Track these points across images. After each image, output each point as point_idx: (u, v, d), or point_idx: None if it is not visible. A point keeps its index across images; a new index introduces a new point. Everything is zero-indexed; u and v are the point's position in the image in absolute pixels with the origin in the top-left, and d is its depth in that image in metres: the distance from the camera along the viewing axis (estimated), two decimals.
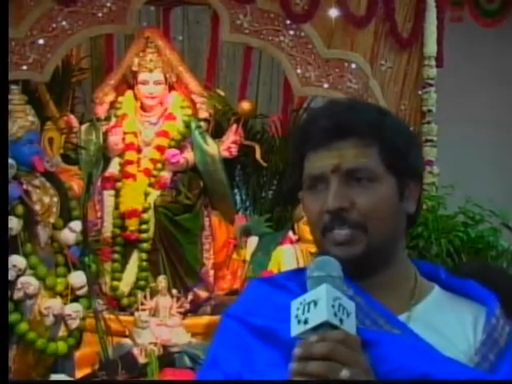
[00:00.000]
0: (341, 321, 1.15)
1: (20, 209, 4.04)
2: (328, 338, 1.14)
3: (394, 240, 1.32)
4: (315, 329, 1.15)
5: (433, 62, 5.08)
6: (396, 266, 1.33)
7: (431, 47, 5.06)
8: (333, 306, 1.15)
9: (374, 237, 1.28)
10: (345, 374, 1.12)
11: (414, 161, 1.34)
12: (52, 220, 4.18)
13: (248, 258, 4.73)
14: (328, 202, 1.28)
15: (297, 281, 1.31)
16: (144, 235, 4.83)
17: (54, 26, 4.63)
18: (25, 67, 4.54)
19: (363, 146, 1.29)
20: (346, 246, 1.28)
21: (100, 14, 4.71)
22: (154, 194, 4.88)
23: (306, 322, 1.16)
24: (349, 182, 1.29)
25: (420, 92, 5.13)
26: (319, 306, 1.15)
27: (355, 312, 1.19)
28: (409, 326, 1.28)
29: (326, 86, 4.87)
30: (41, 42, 4.59)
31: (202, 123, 5.08)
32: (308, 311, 1.16)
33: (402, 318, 1.30)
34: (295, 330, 1.16)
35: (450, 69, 5.27)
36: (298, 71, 4.85)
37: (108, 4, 4.70)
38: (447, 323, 1.31)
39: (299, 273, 1.34)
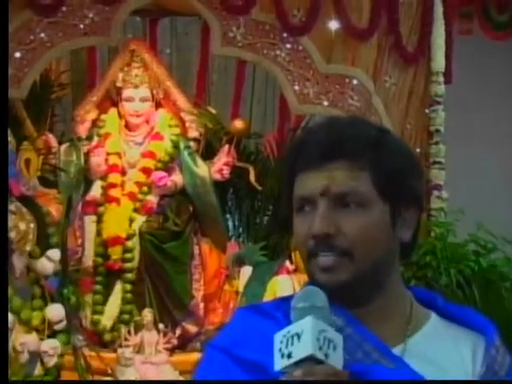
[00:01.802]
0: (326, 355, 1.17)
1: None
2: (316, 373, 1.16)
3: (385, 268, 1.33)
4: (299, 363, 1.17)
5: (441, 78, 5.10)
6: (389, 294, 1.34)
7: (439, 62, 5.09)
8: (318, 340, 1.16)
9: (360, 265, 1.29)
10: None
11: (412, 185, 1.35)
12: (28, 248, 4.16)
13: (241, 289, 4.73)
14: (314, 227, 1.30)
15: (285, 310, 1.31)
16: (128, 264, 4.82)
17: (32, 37, 4.66)
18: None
19: (355, 168, 1.30)
20: (331, 273, 1.29)
21: (82, 26, 4.74)
22: (140, 219, 4.88)
23: (289, 355, 1.17)
24: (337, 206, 1.30)
25: (427, 110, 5.15)
26: (303, 339, 1.16)
27: (344, 344, 1.20)
28: (404, 359, 1.29)
29: (325, 103, 4.89)
30: (17, 55, 4.62)
31: (192, 143, 5.09)
32: (292, 344, 1.17)
33: (397, 349, 1.30)
34: (279, 363, 1.18)
35: (458, 85, 5.30)
36: (296, 87, 4.87)
37: (90, 15, 4.74)
38: (445, 355, 1.32)
39: (287, 301, 1.33)
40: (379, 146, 1.32)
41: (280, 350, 1.18)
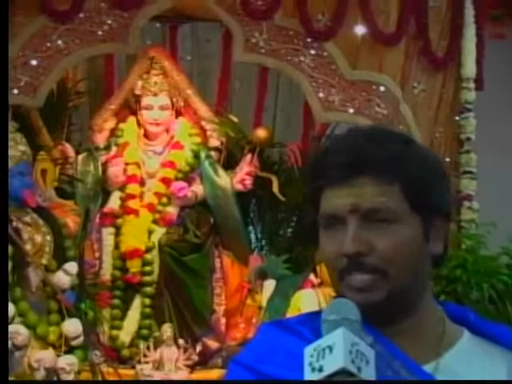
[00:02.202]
0: (359, 369, 1.15)
1: (9, 249, 4.02)
2: None
3: (419, 284, 1.33)
4: (330, 377, 1.15)
5: (471, 85, 5.06)
6: (422, 311, 1.33)
7: (469, 68, 5.04)
8: (350, 352, 1.16)
9: (395, 283, 1.29)
10: None
11: (440, 196, 1.34)
12: (44, 261, 4.17)
13: (264, 303, 4.68)
14: (345, 246, 1.29)
15: (311, 326, 1.32)
16: (147, 278, 4.79)
17: (49, 45, 4.65)
18: (16, 91, 4.54)
19: (382, 183, 1.29)
20: (365, 293, 1.29)
21: (99, 32, 4.73)
22: (159, 231, 4.85)
23: (320, 369, 1.16)
24: (368, 223, 1.29)
25: (457, 118, 5.10)
26: (335, 351, 1.16)
27: (375, 361, 1.19)
28: (436, 378, 1.28)
29: (351, 111, 4.86)
30: (34, 62, 4.61)
31: (213, 153, 5.07)
32: (323, 358, 1.17)
33: (429, 367, 1.30)
34: (309, 378, 1.17)
35: (490, 91, 5.24)
36: (320, 95, 4.84)
37: (108, 21, 4.72)
38: (478, 374, 1.30)
39: (314, 317, 1.34)
40: (404, 158, 1.31)
41: (310, 363, 1.17)
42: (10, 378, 3.75)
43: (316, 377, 1.15)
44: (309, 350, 1.18)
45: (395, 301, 1.30)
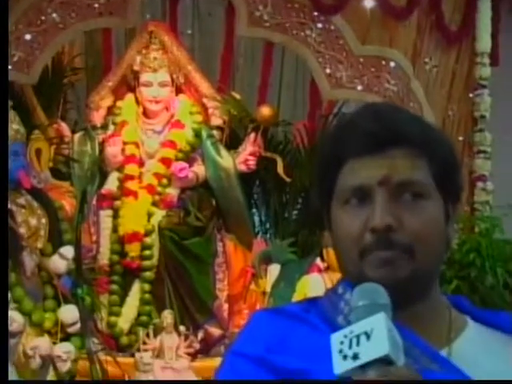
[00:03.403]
0: (397, 356, 1.14)
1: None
2: (392, 375, 1.12)
3: (437, 267, 1.33)
4: (364, 366, 1.13)
5: (486, 60, 5.06)
6: (433, 296, 1.33)
7: (484, 42, 5.05)
8: (390, 338, 1.14)
9: (420, 262, 1.27)
10: None
11: (458, 179, 1.35)
12: (40, 245, 4.19)
13: (268, 289, 4.71)
14: (375, 219, 1.26)
15: (316, 312, 1.30)
16: (147, 262, 4.81)
17: (43, 18, 4.66)
18: (9, 67, 4.55)
19: (414, 156, 1.29)
20: (390, 268, 1.26)
21: (96, 5, 4.74)
22: (159, 214, 4.87)
23: (355, 357, 1.14)
24: (397, 196, 1.27)
25: (471, 95, 5.11)
26: (375, 338, 1.13)
27: None
28: (453, 363, 1.27)
29: (359, 87, 4.87)
30: (27, 37, 4.62)
31: (215, 132, 5.08)
32: (357, 345, 1.14)
33: (443, 353, 1.29)
34: (340, 366, 1.14)
35: (506, 67, 5.24)
36: (328, 71, 4.85)
37: None
38: (492, 360, 1.31)
39: (315, 303, 1.33)
40: (433, 135, 1.32)
41: (341, 351, 1.14)
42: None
43: (349, 365, 1.13)
44: (338, 337, 1.15)
45: (417, 281, 1.28)
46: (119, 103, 5.07)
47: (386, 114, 1.31)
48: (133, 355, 4.50)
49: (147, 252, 4.82)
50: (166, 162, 4.95)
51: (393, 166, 1.27)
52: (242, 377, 1.28)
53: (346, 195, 1.29)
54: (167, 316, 4.59)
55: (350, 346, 1.14)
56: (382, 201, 1.27)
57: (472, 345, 1.33)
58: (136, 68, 5.00)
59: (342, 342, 1.15)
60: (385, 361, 1.13)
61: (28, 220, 4.19)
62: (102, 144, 4.94)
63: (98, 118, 5.03)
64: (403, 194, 1.27)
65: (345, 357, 1.14)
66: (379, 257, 1.27)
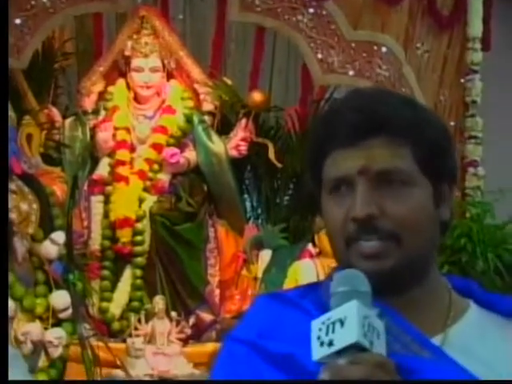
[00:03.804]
0: (371, 343, 1.15)
1: None
2: (362, 361, 1.14)
3: (429, 252, 1.33)
4: (340, 352, 1.15)
5: (478, 45, 5.06)
6: (429, 281, 1.33)
7: (476, 27, 5.04)
8: (363, 326, 1.15)
9: (408, 249, 1.28)
10: None
11: (450, 161, 1.35)
12: (30, 230, 4.18)
13: (260, 274, 4.72)
14: (355, 209, 1.28)
15: (311, 299, 1.32)
16: (138, 248, 4.81)
17: (33, 3, 4.64)
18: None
19: (395, 145, 1.29)
20: (375, 260, 1.27)
21: None
22: (150, 199, 4.87)
23: (330, 343, 1.16)
24: (379, 185, 1.29)
25: (462, 80, 5.11)
26: (348, 325, 1.15)
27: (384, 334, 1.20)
28: (444, 349, 1.27)
29: (351, 73, 4.87)
30: (18, 21, 4.60)
31: (206, 117, 5.08)
32: (333, 332, 1.16)
33: (437, 339, 1.30)
34: (317, 353, 1.16)
35: (497, 53, 5.24)
36: (319, 56, 4.84)
37: None
38: (487, 347, 1.31)
39: (313, 289, 1.35)
40: (417, 120, 1.32)
41: (319, 338, 1.17)
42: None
43: (325, 351, 1.15)
44: (317, 324, 1.17)
45: (406, 269, 1.29)
46: (110, 88, 5.06)
47: (369, 103, 1.31)
48: (124, 341, 4.52)
49: (138, 237, 4.82)
50: (157, 147, 4.94)
51: (372, 156, 1.28)
52: (237, 361, 1.30)
53: (330, 185, 1.32)
54: (159, 302, 4.60)
55: (327, 333, 1.16)
56: (363, 190, 1.28)
57: (470, 331, 1.33)
58: (127, 53, 4.99)
59: (320, 329, 1.17)
60: (358, 347, 1.15)
61: (19, 205, 4.18)
62: (93, 129, 4.93)
63: (89, 103, 5.02)
64: (384, 182, 1.28)
65: (322, 343, 1.16)
66: (363, 247, 1.28)
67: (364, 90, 1.38)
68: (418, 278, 1.32)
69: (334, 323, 1.16)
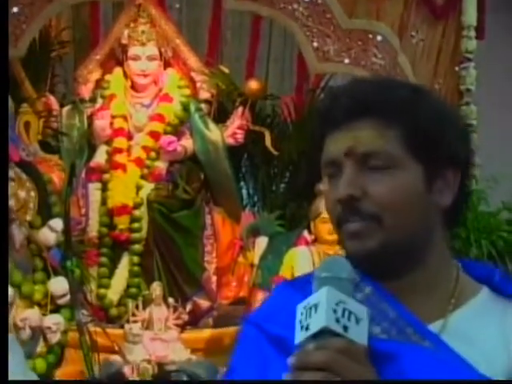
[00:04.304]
0: (345, 328, 1.17)
1: None
2: (328, 347, 1.17)
3: (422, 236, 1.32)
4: (316, 336, 1.18)
5: (472, 33, 5.05)
6: (430, 266, 1.33)
7: (470, 15, 5.03)
8: (334, 311, 1.17)
9: (390, 231, 1.28)
10: None
11: (451, 146, 1.33)
12: (29, 217, 4.18)
13: (256, 261, 4.71)
14: (339, 190, 1.30)
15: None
16: (136, 235, 4.83)
17: None
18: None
19: (381, 127, 1.30)
20: (358, 240, 1.29)
21: None
22: (147, 187, 4.88)
23: (307, 328, 1.19)
24: (364, 167, 1.30)
25: (457, 68, 5.11)
26: (319, 310, 1.18)
27: (378, 321, 1.22)
28: (441, 337, 1.27)
29: (346, 61, 4.86)
30: (15, 10, 4.60)
31: (203, 105, 5.08)
32: (310, 316, 1.19)
33: (437, 325, 1.30)
34: (298, 336, 1.20)
35: (492, 41, 5.24)
36: (315, 44, 4.84)
37: None
38: (487, 334, 1.30)
39: None
40: (410, 105, 1.31)
41: (300, 321, 1.20)
42: None
43: (304, 335, 1.18)
44: (299, 308, 1.20)
45: (391, 251, 1.29)
46: (107, 77, 5.06)
47: (362, 87, 1.33)
48: (122, 326, 4.52)
49: (136, 225, 4.83)
50: (154, 135, 4.95)
51: (357, 138, 1.29)
52: (248, 342, 1.35)
53: (324, 169, 1.34)
54: (156, 288, 4.61)
55: (306, 318, 1.19)
56: (348, 172, 1.30)
57: (473, 317, 1.32)
58: (124, 41, 4.99)
59: (302, 313, 1.20)
60: (331, 332, 1.17)
61: (17, 193, 4.18)
62: (90, 117, 4.94)
63: (86, 91, 5.02)
64: (369, 164, 1.29)
65: (302, 327, 1.19)
66: (348, 227, 1.30)
67: (363, 78, 1.42)
68: (412, 262, 1.31)
69: (310, 308, 1.19)
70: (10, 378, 1.64)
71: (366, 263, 1.28)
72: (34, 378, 1.78)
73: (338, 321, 1.17)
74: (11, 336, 1.82)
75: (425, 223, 1.32)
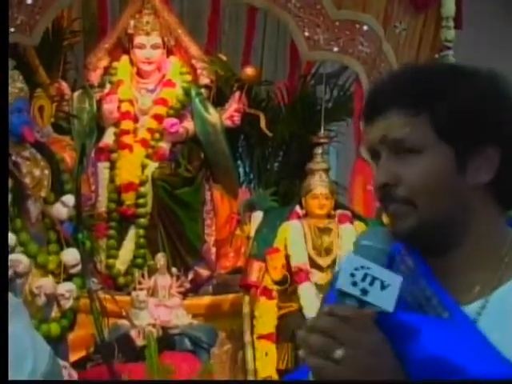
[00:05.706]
0: (363, 291, 1.15)
1: (9, 182, 4.05)
2: (335, 313, 1.16)
3: (457, 216, 1.26)
4: (343, 296, 1.17)
5: (451, 23, 5.04)
6: (470, 245, 1.27)
7: (449, 7, 5.03)
8: (352, 275, 1.16)
9: (425, 212, 1.25)
10: (338, 354, 1.12)
11: (493, 125, 1.25)
12: (43, 194, 4.20)
13: (252, 234, 4.75)
14: (377, 178, 1.28)
15: None
16: (141, 210, 4.87)
17: None
18: (12, 29, 4.54)
19: (409, 114, 1.26)
20: (398, 220, 1.27)
21: None
22: (152, 166, 4.91)
23: (363, 291, 1.17)
24: (397, 154, 1.27)
25: (437, 56, 5.11)
26: (389, 294, 1.16)
27: (416, 296, 1.21)
28: (478, 318, 1.21)
29: (335, 49, 4.87)
30: (29, 1, 4.60)
31: (203, 90, 5.10)
32: (370, 284, 1.17)
33: (474, 306, 1.23)
34: (346, 287, 1.17)
35: (470, 31, 5.24)
36: (306, 34, 4.84)
37: None
38: None
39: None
40: (442, 88, 1.26)
41: (352, 275, 1.17)
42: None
43: (355, 292, 1.16)
44: (353, 261, 1.18)
45: (431, 228, 1.25)
46: (115, 64, 5.08)
47: (392, 78, 1.32)
48: (129, 294, 4.58)
49: (141, 200, 4.87)
50: (158, 118, 4.97)
51: (388, 126, 1.27)
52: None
53: (369, 154, 1.34)
54: (160, 258, 4.65)
55: (363, 279, 1.16)
56: (384, 159, 1.28)
57: None
58: (130, 31, 5.01)
59: (356, 269, 1.17)
60: (346, 294, 1.16)
61: (32, 171, 4.21)
62: (99, 101, 4.96)
63: (95, 77, 5.04)
64: (401, 150, 1.27)
65: (354, 283, 1.16)
66: (388, 210, 1.28)
67: (408, 67, 1.36)
68: (454, 238, 1.27)
69: (374, 278, 1.16)
70: (17, 342, 1.63)
71: (408, 240, 1.26)
72: (42, 342, 1.75)
73: (355, 284, 1.15)
74: (17, 300, 1.82)
75: (459, 202, 1.26)
